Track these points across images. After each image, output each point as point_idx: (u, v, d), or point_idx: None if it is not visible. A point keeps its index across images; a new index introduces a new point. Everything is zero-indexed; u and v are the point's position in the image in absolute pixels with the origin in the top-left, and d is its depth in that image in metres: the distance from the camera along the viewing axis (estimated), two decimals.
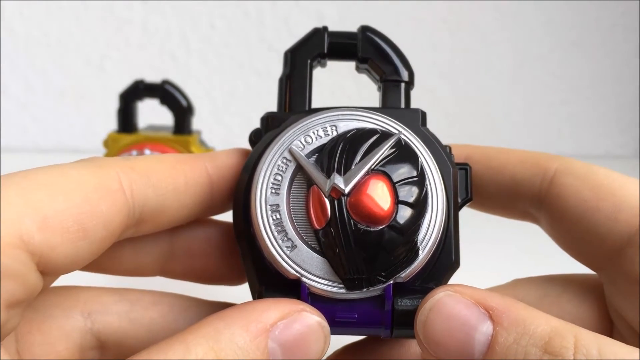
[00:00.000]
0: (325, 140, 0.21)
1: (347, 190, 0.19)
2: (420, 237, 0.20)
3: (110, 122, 0.49)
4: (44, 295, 0.21)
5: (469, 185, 0.22)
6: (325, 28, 0.24)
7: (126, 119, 0.46)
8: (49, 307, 0.21)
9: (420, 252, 0.19)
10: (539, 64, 0.86)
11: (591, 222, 0.22)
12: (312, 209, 0.20)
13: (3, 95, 0.78)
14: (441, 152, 0.21)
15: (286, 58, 0.24)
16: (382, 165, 0.20)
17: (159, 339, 0.19)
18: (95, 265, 0.22)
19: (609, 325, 0.22)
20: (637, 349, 0.16)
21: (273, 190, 0.20)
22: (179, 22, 0.79)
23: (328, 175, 0.20)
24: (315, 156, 0.20)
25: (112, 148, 0.44)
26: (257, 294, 0.20)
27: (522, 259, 0.32)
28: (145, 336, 0.22)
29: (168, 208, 0.21)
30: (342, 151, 0.20)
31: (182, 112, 0.46)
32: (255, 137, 0.23)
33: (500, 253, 0.30)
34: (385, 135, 0.20)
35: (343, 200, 0.19)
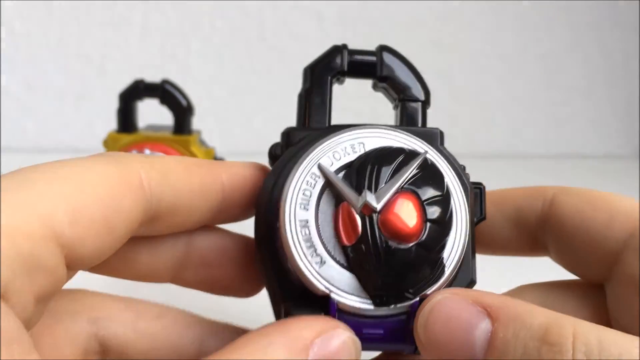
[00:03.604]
0: (353, 157, 0.21)
1: (378, 207, 0.19)
2: (445, 254, 0.20)
3: (110, 122, 0.49)
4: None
5: (483, 205, 0.22)
6: (344, 46, 0.24)
7: (126, 119, 0.46)
8: (58, 309, 0.22)
9: (446, 269, 0.20)
10: (539, 64, 0.86)
11: (588, 231, 0.22)
12: (341, 225, 0.20)
13: (3, 95, 0.78)
14: (459, 171, 0.22)
15: (305, 74, 0.24)
16: (410, 184, 0.20)
17: (161, 351, 0.18)
18: (110, 267, 0.22)
19: None
20: (635, 337, 0.16)
21: (302, 206, 0.20)
22: (179, 22, 0.79)
23: (359, 192, 0.20)
24: (343, 172, 0.21)
25: (112, 148, 0.44)
26: (284, 310, 0.20)
27: (527, 265, 0.32)
28: (147, 347, 0.22)
29: (181, 208, 0.21)
30: (371, 169, 0.20)
31: (182, 112, 0.46)
32: (277, 152, 0.23)
33: (505, 260, 0.30)
34: (412, 154, 0.21)
35: (374, 218, 0.19)
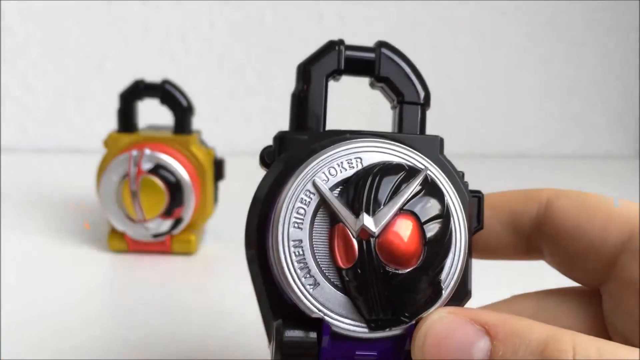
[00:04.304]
0: (349, 173, 0.20)
1: (377, 232, 0.19)
2: (443, 275, 0.19)
3: (110, 122, 0.49)
4: None
5: (481, 214, 0.22)
6: (341, 41, 0.22)
7: (126, 119, 0.46)
8: None
9: (443, 291, 0.19)
10: (539, 64, 0.86)
11: (585, 236, 0.22)
12: (337, 247, 0.19)
13: (3, 95, 0.78)
14: (458, 181, 0.21)
15: (299, 73, 0.22)
16: (410, 205, 0.19)
17: None
18: None
19: (607, 338, 0.22)
20: (636, 349, 0.16)
21: (296, 225, 0.19)
22: (179, 22, 0.79)
23: (355, 213, 0.19)
24: (339, 189, 0.20)
25: (112, 148, 0.44)
26: (276, 329, 0.19)
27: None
28: None
29: None
30: (369, 188, 0.19)
31: (182, 112, 0.46)
32: (269, 158, 0.21)
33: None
34: (412, 172, 0.20)
35: (372, 242, 0.19)
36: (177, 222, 0.44)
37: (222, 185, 0.49)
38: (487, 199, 0.23)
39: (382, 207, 0.19)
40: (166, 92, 0.46)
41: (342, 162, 0.20)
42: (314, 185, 0.20)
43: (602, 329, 0.23)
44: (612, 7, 0.85)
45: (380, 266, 0.19)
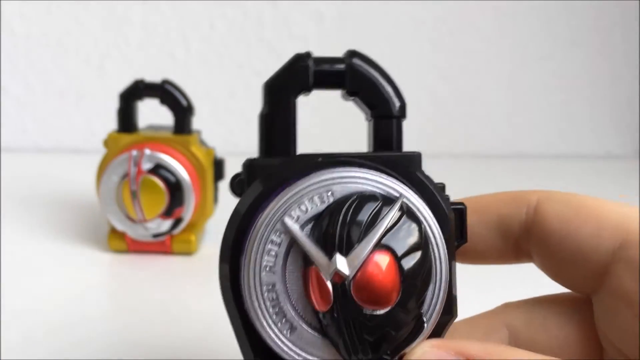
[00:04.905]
0: (321, 208, 0.19)
1: (351, 275, 0.18)
2: (424, 308, 0.19)
3: (110, 122, 0.49)
4: None
5: (464, 228, 0.21)
6: (308, 54, 0.21)
7: (126, 119, 0.46)
8: None
9: (425, 324, 0.19)
10: (539, 64, 0.86)
11: (575, 242, 0.21)
12: (312, 291, 0.18)
13: (3, 95, 0.78)
14: (438, 200, 0.20)
15: (265, 92, 0.21)
16: (385, 239, 0.18)
17: None
18: None
19: (599, 346, 0.22)
20: None
21: (268, 268, 0.19)
22: (179, 22, 0.79)
23: (329, 254, 0.18)
24: (310, 225, 0.19)
25: (112, 148, 0.44)
26: None
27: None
28: None
29: None
30: (342, 226, 0.18)
31: (182, 112, 0.46)
32: (239, 188, 0.21)
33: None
34: (386, 202, 0.19)
35: (347, 284, 0.18)
36: (177, 222, 0.44)
37: (222, 185, 0.49)
38: (473, 202, 0.22)
39: (355, 245, 0.18)
40: (166, 92, 0.46)
41: (312, 197, 0.19)
42: (284, 224, 0.19)
43: (594, 338, 0.22)
44: (612, 7, 0.85)
45: (357, 309, 0.18)
